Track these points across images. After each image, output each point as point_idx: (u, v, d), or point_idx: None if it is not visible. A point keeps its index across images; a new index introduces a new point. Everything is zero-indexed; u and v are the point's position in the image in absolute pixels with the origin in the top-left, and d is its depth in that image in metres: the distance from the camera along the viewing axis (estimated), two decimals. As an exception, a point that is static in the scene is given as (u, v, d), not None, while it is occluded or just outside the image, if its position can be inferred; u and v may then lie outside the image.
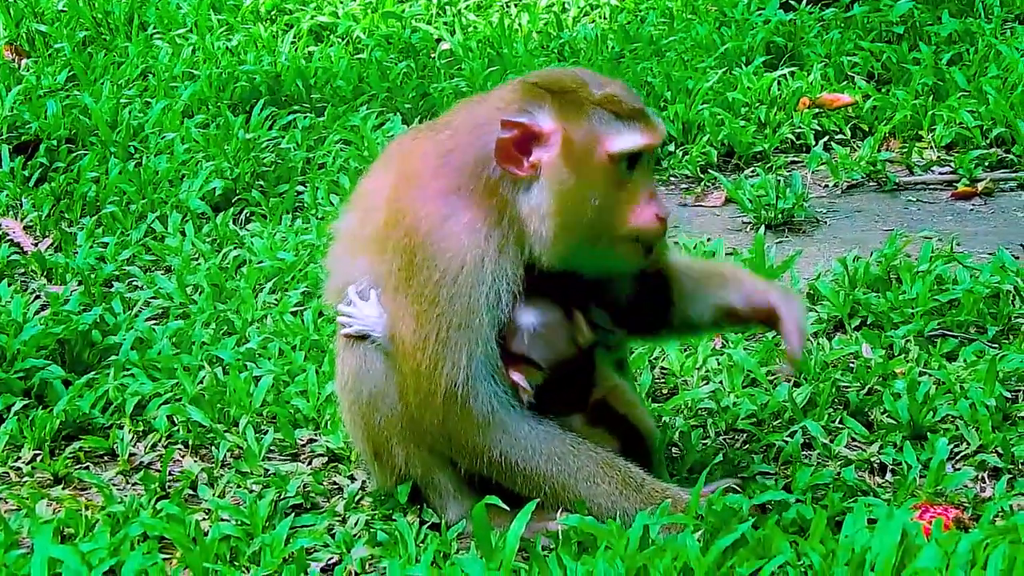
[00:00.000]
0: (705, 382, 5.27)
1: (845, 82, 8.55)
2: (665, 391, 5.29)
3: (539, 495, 4.10)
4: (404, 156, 4.32)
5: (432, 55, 9.34)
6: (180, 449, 4.99)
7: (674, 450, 4.81)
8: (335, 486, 4.71)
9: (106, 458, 4.99)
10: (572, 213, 4.01)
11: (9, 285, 6.20)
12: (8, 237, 6.87)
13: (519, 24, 9.80)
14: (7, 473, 4.86)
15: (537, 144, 4.02)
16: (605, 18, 9.92)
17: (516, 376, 4.14)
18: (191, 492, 4.68)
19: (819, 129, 8.04)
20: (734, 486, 4.24)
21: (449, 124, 4.24)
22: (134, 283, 6.40)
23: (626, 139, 4.00)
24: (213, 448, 4.94)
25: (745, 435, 4.94)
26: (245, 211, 7.20)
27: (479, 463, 4.16)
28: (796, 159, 7.88)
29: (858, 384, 5.18)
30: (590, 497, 4.10)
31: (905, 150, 7.76)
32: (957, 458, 4.74)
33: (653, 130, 4.06)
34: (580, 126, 4.00)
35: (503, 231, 4.06)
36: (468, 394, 4.08)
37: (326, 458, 4.90)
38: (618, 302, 4.35)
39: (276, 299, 6.08)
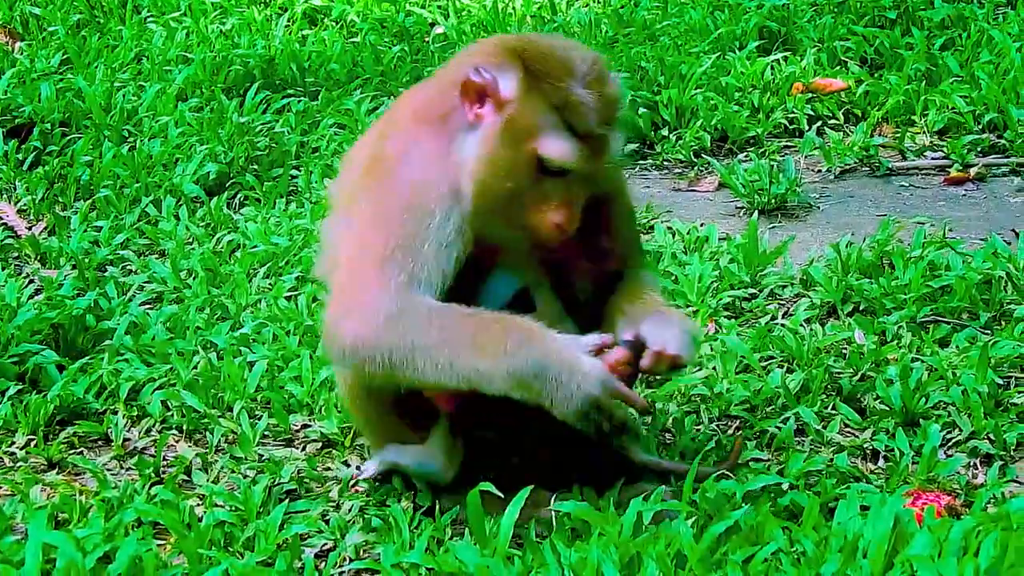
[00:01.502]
0: (698, 368, 5.25)
1: (838, 67, 8.53)
2: (658, 377, 5.27)
3: (442, 376, 3.93)
4: (389, 109, 4.42)
5: (426, 39, 9.31)
6: (174, 434, 4.97)
7: (667, 436, 4.80)
8: (329, 472, 4.70)
9: (100, 443, 4.98)
10: (489, 182, 4.01)
11: (3, 269, 6.17)
12: (2, 221, 6.85)
13: (513, 8, 9.76)
14: (1, 458, 4.85)
15: (491, 102, 4.04)
16: (599, 2, 9.88)
17: None
18: (185, 478, 4.66)
19: (812, 114, 8.02)
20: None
21: (446, 67, 4.33)
22: (128, 267, 6.38)
23: (560, 152, 3.98)
24: (207, 433, 4.93)
25: (738, 421, 4.93)
26: (239, 195, 7.18)
27: (391, 364, 3.97)
28: (789, 144, 7.86)
29: (851, 370, 5.17)
30: (475, 364, 3.92)
31: (898, 135, 7.74)
32: (949, 444, 4.74)
33: (592, 158, 4.01)
34: (531, 114, 4.00)
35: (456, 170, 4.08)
36: (396, 306, 3.96)
37: (320, 444, 4.88)
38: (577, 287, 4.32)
39: (270, 284, 6.07)
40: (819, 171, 7.55)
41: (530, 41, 4.16)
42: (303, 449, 4.87)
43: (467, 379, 3.92)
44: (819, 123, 7.94)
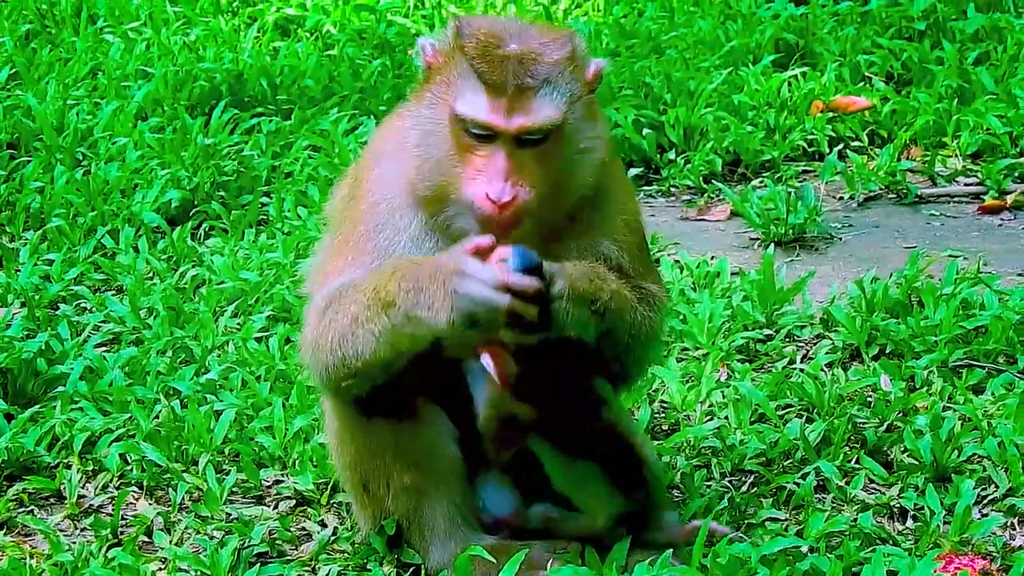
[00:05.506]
0: (709, 418, 5.29)
1: (862, 83, 8.59)
2: (665, 427, 5.31)
3: (378, 351, 4.10)
4: None
5: (410, 52, 9.35)
6: (134, 491, 4.98)
7: (675, 493, 4.83)
8: (304, 532, 4.72)
9: (52, 501, 4.98)
10: (420, 152, 4.17)
11: (-55, 307, 6.19)
12: (-57, 253, 6.86)
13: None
14: (-57, 517, 4.86)
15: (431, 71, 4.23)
16: (599, 11, 9.94)
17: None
18: (146, 539, 4.67)
19: (833, 135, 8.07)
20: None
21: None
22: (82, 305, 6.38)
23: (472, 108, 4.09)
24: (170, 490, 4.94)
25: (753, 476, 4.95)
26: (204, 225, 7.18)
27: (342, 359, 4.18)
28: (808, 168, 7.91)
29: (876, 420, 5.20)
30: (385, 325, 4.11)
31: (927, 159, 7.79)
32: (984, 502, 4.77)
33: (508, 114, 4.08)
34: (449, 71, 4.16)
35: None
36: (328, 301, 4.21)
37: (294, 501, 4.90)
38: None
39: (239, 324, 6.08)
40: (841, 198, 7.59)
41: (481, 15, 4.32)
42: (275, 507, 4.88)
43: (392, 345, 4.05)
44: (841, 145, 8.00)
